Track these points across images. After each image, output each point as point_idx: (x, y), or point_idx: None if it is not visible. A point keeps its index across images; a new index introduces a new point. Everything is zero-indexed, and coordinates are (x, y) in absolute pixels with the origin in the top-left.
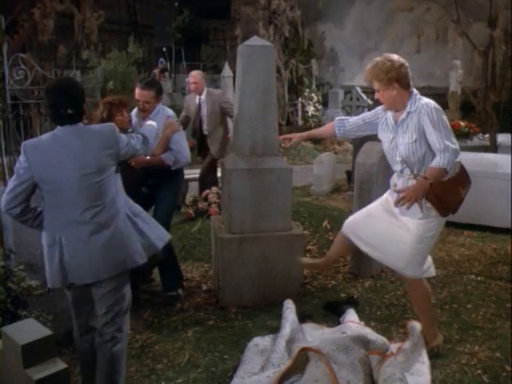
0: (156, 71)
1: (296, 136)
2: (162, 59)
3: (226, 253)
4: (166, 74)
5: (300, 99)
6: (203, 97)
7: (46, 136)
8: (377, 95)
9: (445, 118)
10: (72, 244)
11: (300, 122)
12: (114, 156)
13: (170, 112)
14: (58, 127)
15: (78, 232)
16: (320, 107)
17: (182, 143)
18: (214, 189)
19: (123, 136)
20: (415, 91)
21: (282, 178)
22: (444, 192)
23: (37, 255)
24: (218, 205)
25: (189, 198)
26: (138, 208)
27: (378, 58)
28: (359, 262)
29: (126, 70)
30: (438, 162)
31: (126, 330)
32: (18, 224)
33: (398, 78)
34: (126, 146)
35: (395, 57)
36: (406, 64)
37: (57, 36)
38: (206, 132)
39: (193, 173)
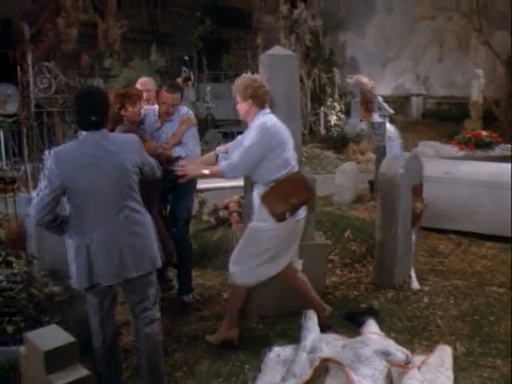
0: (179, 80)
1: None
2: (185, 68)
3: None
4: (189, 82)
5: (322, 108)
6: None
7: (72, 143)
8: (237, 106)
9: (264, 138)
10: (102, 245)
11: (322, 132)
12: (138, 163)
13: (185, 108)
14: (83, 133)
15: (108, 233)
16: (342, 116)
17: (193, 138)
18: (235, 197)
19: (151, 158)
20: (268, 111)
21: None
22: (274, 197)
23: (59, 261)
24: (239, 214)
25: (210, 207)
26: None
27: (244, 76)
28: (381, 272)
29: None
30: (222, 165)
31: (158, 316)
32: (41, 230)
33: (253, 96)
34: (149, 164)
35: (258, 78)
36: (266, 87)
37: (80, 45)
38: None
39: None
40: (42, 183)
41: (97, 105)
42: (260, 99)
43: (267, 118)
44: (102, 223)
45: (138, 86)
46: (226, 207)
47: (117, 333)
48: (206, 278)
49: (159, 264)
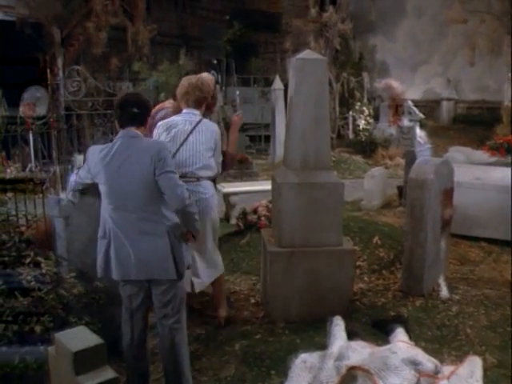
0: None
1: None
2: (213, 71)
3: (275, 266)
4: (217, 86)
5: (351, 113)
6: None
7: (108, 143)
8: None
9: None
10: (120, 241)
11: (351, 136)
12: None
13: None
14: (120, 133)
15: (129, 231)
16: (371, 121)
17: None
18: (264, 202)
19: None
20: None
21: (333, 192)
22: None
23: (88, 263)
24: (267, 218)
25: (238, 211)
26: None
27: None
28: (410, 279)
29: (177, 83)
30: None
31: (183, 321)
32: (71, 232)
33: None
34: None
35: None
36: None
37: (110, 48)
38: None
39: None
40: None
41: (140, 102)
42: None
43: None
44: (122, 220)
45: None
46: (255, 211)
47: (145, 334)
48: (234, 283)
49: (173, 276)
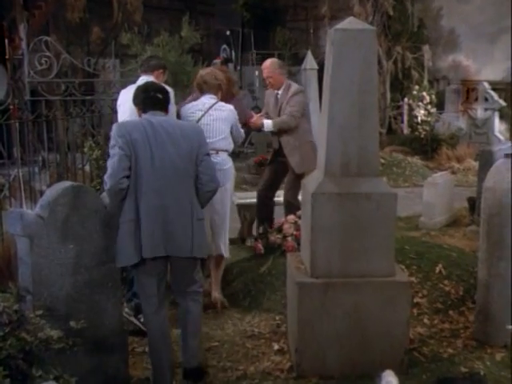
0: (217, 61)
1: None
2: (224, 46)
3: (307, 303)
4: (230, 65)
5: (406, 100)
6: (281, 91)
7: (138, 119)
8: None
9: None
10: (155, 219)
11: (406, 131)
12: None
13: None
14: (147, 114)
15: (165, 208)
16: (433, 110)
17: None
18: (291, 217)
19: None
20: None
21: (382, 205)
22: None
23: (60, 297)
24: (295, 238)
25: (257, 229)
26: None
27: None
28: (486, 323)
29: (178, 60)
30: None
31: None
32: (38, 257)
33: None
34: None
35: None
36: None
37: (90, 14)
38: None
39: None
40: (112, 152)
41: (163, 89)
42: None
43: None
44: (155, 198)
45: (263, 71)
46: (279, 229)
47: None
48: (251, 324)
49: (203, 255)
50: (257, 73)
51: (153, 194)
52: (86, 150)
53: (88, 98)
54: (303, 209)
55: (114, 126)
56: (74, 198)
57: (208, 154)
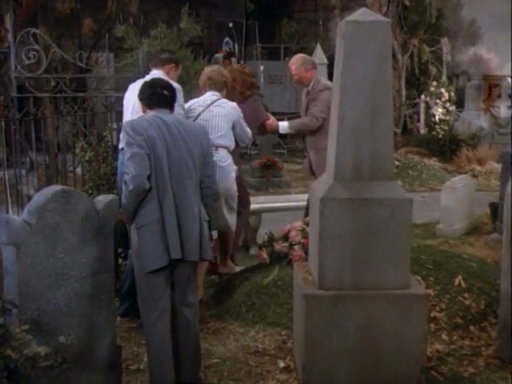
0: (219, 56)
1: None
2: (227, 39)
3: (315, 317)
4: (233, 59)
5: (423, 97)
6: (310, 88)
7: (149, 117)
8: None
9: None
10: (174, 219)
11: (422, 131)
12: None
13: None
14: (155, 111)
15: (185, 209)
16: (452, 108)
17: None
18: (299, 224)
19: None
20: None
21: (397, 211)
22: None
23: (48, 310)
24: (303, 246)
25: (262, 236)
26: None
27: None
28: (510, 341)
29: (177, 54)
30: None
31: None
32: (25, 267)
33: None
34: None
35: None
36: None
37: (82, 5)
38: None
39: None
40: (132, 151)
41: (170, 86)
42: None
43: None
44: (172, 197)
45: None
46: (285, 237)
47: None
48: (256, 339)
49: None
50: (262, 68)
51: (171, 192)
52: (77, 151)
53: (80, 94)
54: (311, 215)
55: (127, 124)
56: (64, 204)
57: (212, 157)
